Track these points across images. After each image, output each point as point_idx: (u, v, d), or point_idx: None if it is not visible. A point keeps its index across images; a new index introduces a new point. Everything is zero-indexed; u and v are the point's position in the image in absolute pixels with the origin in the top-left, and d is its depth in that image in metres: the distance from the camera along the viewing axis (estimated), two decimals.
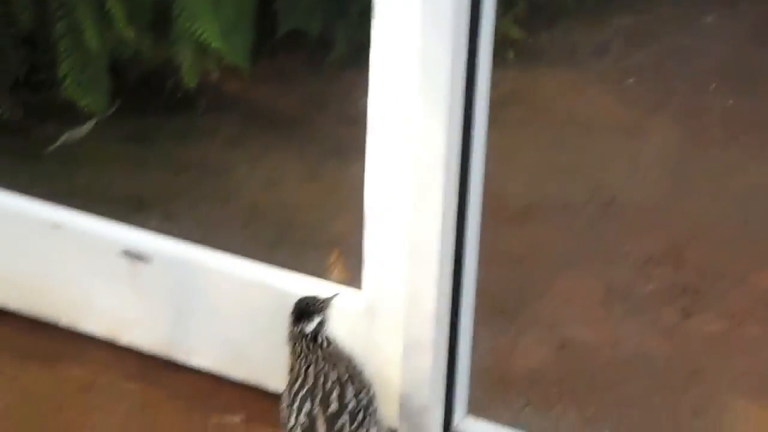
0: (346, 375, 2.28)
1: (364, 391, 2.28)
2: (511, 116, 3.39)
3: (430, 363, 2.35)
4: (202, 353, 2.63)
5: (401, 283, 2.35)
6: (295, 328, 2.29)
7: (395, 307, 2.38)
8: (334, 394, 2.25)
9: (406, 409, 2.39)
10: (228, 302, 2.57)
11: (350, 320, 2.46)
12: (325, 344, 2.30)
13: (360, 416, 2.25)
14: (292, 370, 2.30)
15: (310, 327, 2.29)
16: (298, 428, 2.23)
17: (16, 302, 2.77)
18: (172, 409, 2.55)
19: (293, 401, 2.25)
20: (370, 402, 2.28)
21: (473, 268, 2.36)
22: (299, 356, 2.29)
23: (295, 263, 2.71)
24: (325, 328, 2.31)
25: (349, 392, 2.26)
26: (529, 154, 3.34)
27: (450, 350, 2.38)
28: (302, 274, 2.55)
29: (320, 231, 3.01)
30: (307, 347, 2.28)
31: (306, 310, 2.29)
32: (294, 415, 2.24)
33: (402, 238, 2.34)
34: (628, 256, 3.03)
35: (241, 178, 3.24)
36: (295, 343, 2.29)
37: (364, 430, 2.25)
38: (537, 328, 2.80)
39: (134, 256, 2.64)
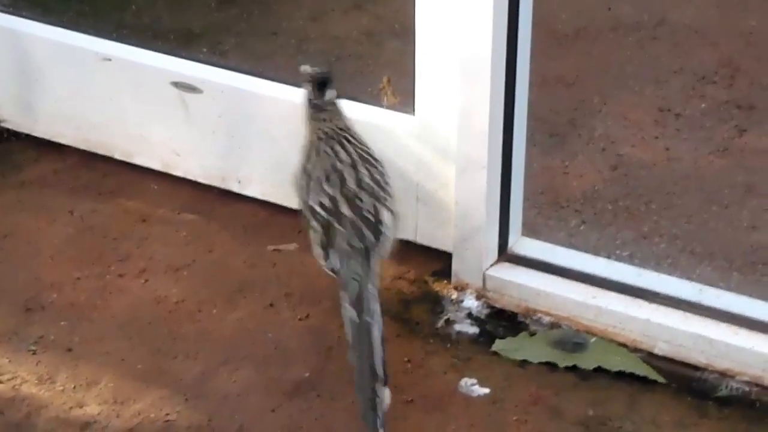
0: (356, 156, 2.27)
1: (376, 169, 2.28)
2: None
3: (484, 184, 2.32)
4: (256, 183, 2.61)
5: (453, 104, 2.31)
6: (325, 98, 2.28)
7: (448, 128, 2.35)
8: (349, 175, 2.25)
9: (461, 231, 2.37)
10: (280, 129, 2.55)
11: (404, 144, 2.44)
12: (344, 111, 2.31)
13: (378, 193, 2.26)
14: (305, 150, 2.29)
15: (332, 95, 2.29)
16: (320, 210, 2.24)
17: (71, 137, 2.76)
18: (229, 238, 2.55)
19: (307, 181, 2.26)
20: (385, 178, 2.28)
21: (525, 87, 2.32)
22: (317, 131, 2.27)
23: (346, 91, 2.67)
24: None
25: (363, 171, 2.26)
26: None
27: (504, 171, 2.35)
28: (354, 101, 2.51)
29: (369, 59, 2.97)
30: (329, 115, 2.28)
31: (328, 78, 2.29)
32: (313, 196, 2.25)
33: (453, 59, 2.29)
34: (681, 75, 2.98)
35: (288, 10, 3.19)
36: (318, 114, 2.27)
37: (381, 203, 2.26)
38: (590, 148, 2.76)
39: (185, 87, 2.61)
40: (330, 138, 2.28)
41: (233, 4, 3.21)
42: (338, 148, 2.28)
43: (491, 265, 2.39)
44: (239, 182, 2.63)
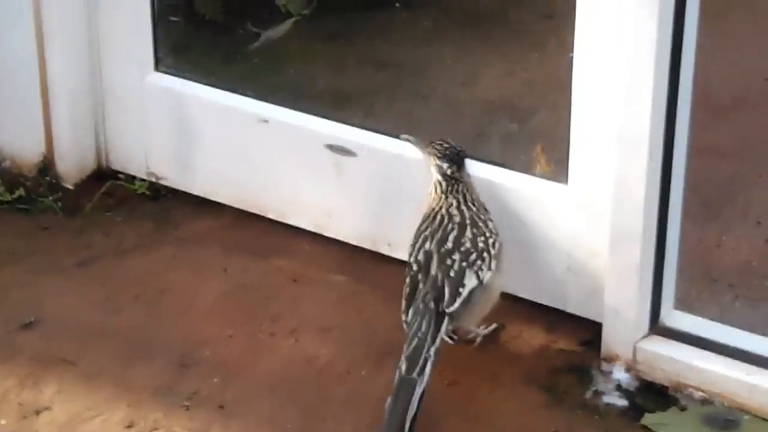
0: (469, 221, 2.35)
1: (483, 237, 2.34)
2: (711, 7, 3.28)
3: (638, 256, 2.31)
4: (406, 246, 2.61)
5: (609, 175, 2.31)
6: (462, 173, 2.38)
7: (603, 200, 2.35)
8: (452, 236, 2.34)
9: (612, 302, 2.37)
10: None
11: (556, 213, 2.44)
12: (471, 185, 2.39)
13: (473, 257, 2.32)
14: (425, 215, 2.39)
15: (467, 169, 2.39)
16: (415, 265, 2.34)
17: (226, 196, 2.82)
18: (378, 300, 2.57)
19: (416, 240, 2.36)
20: (488, 248, 2.33)
21: (683, 158, 2.31)
22: (441, 200, 2.37)
23: (498, 157, 2.69)
24: None
25: (467, 234, 2.34)
26: (733, 45, 3.24)
27: (658, 244, 2.34)
28: (505, 168, 2.53)
29: (522, 125, 2.98)
30: (456, 189, 2.37)
31: (465, 155, 2.39)
32: (414, 252, 2.35)
33: (610, 130, 2.30)
34: None
35: (440, 74, 3.22)
36: (448, 186, 2.37)
37: (474, 269, 2.31)
38: (745, 221, 2.73)
39: (339, 150, 2.65)
40: (452, 205, 2.36)
41: (386, 68, 3.25)
42: (455, 211, 2.35)
43: (642, 338, 2.37)
44: (389, 245, 2.66)
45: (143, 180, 2.89)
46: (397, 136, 2.61)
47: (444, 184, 2.37)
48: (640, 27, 2.18)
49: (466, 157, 2.40)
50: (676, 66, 2.23)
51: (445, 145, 2.38)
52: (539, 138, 2.72)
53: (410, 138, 2.45)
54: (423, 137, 2.45)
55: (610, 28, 2.25)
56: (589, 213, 2.40)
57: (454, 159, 2.37)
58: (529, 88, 3.14)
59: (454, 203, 2.37)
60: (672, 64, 2.22)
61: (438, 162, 2.38)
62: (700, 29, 2.25)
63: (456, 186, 2.37)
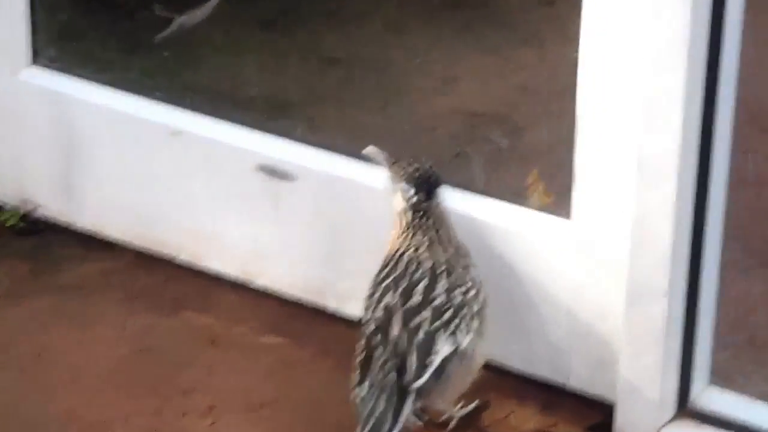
0: (444, 266, 2.34)
1: (462, 288, 2.34)
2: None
3: (663, 317, 2.33)
4: (359, 300, 2.65)
5: (625, 210, 2.34)
6: (433, 203, 2.36)
7: (616, 242, 2.37)
8: (421, 286, 2.33)
9: (629, 376, 2.39)
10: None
11: (555, 257, 2.46)
12: (447, 221, 2.38)
13: (447, 315, 2.32)
14: (386, 259, 2.38)
15: (440, 199, 2.37)
16: (372, 324, 2.34)
17: (125, 231, 2.83)
18: (323, 369, 2.59)
19: (374, 291, 2.36)
20: (467, 303, 2.34)
21: (722, 191, 2.34)
22: (406, 239, 2.36)
23: (481, 185, 2.71)
24: None
25: (441, 285, 2.33)
26: None
27: (689, 300, 2.37)
28: (491, 198, 2.56)
29: (514, 143, 3.00)
30: (426, 225, 2.36)
31: (438, 180, 2.37)
32: (371, 307, 2.35)
33: (626, 151, 2.32)
34: None
35: (407, 74, 3.24)
36: (415, 220, 2.36)
37: (448, 333, 2.31)
38: None
39: (274, 172, 2.67)
40: (421, 246, 2.36)
41: (336, 66, 3.27)
42: (425, 254, 2.35)
43: (668, 422, 2.40)
44: (338, 298, 2.68)
45: (14, 209, 2.90)
46: (349, 155, 2.64)
47: (410, 216, 2.38)
48: (667, 16, 2.20)
49: (440, 183, 2.40)
50: (714, 69, 2.25)
51: (415, 166, 2.39)
52: (535, 160, 2.74)
53: (376, 152, 2.44)
54: (390, 154, 2.47)
55: (627, 19, 2.28)
56: (598, 259, 2.42)
57: (423, 185, 2.38)
58: (522, 95, 3.17)
59: (425, 243, 2.38)
60: (709, 67, 2.25)
61: (403, 187, 2.40)
62: (744, 21, 2.27)
63: (426, 220, 2.38)
